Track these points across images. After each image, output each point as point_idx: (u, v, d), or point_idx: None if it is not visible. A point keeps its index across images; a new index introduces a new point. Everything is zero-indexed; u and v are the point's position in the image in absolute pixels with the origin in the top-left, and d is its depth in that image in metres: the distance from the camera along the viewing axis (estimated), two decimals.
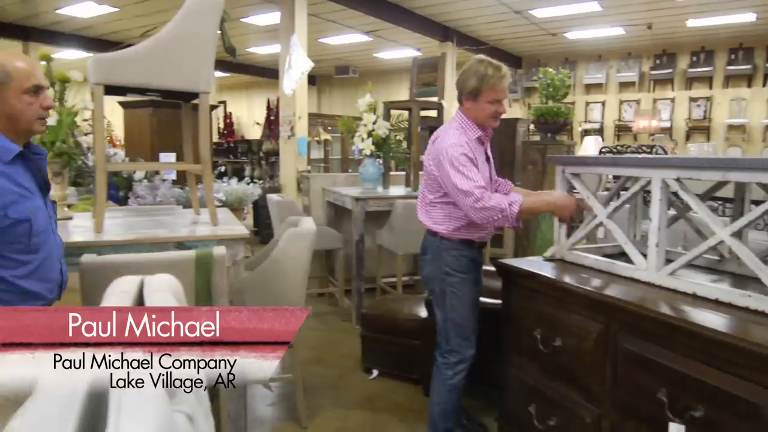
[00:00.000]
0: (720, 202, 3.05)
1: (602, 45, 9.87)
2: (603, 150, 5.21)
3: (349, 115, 6.21)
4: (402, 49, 10.29)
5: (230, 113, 13.86)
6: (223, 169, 6.87)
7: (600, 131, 10.25)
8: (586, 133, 9.98)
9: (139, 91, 2.23)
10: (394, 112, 4.43)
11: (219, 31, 2.34)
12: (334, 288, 4.46)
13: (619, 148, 5.52)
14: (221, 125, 13.40)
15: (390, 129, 4.11)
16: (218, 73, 12.46)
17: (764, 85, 8.86)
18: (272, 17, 7.85)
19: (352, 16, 8.35)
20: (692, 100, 9.41)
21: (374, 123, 4.07)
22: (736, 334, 1.42)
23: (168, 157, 5.12)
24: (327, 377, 3.19)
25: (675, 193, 1.89)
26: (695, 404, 1.48)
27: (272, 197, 4.14)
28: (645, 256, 1.92)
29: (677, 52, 9.60)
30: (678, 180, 1.79)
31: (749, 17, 7.65)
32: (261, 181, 6.92)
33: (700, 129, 9.36)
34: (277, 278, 2.42)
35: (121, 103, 5.81)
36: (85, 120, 6.76)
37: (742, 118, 8.92)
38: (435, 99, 4.34)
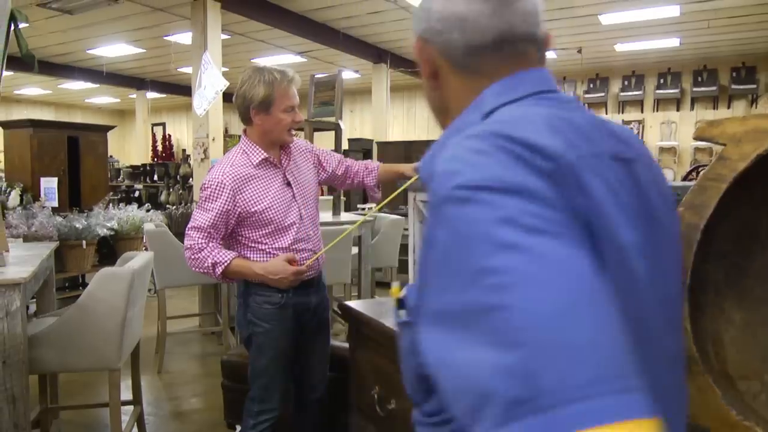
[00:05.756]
0: None
1: None
2: None
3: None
4: (341, 72, 10.07)
5: (169, 135, 13.33)
6: (137, 194, 6.41)
7: None
8: None
9: None
10: None
11: (14, 36, 1.99)
12: (219, 327, 3.99)
13: None
14: (159, 147, 12.85)
15: None
16: (154, 95, 12.00)
17: (692, 109, 8.97)
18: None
19: (281, 36, 8.09)
20: (625, 122, 9.45)
21: None
22: None
23: (50, 182, 4.65)
24: None
25: None
26: None
27: (147, 226, 3.73)
28: None
29: (609, 76, 9.67)
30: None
31: (673, 42, 7.74)
32: (173, 207, 6.47)
33: None
34: (85, 328, 2.03)
35: (1, 123, 5.32)
36: None
37: (673, 140, 8.99)
38: (332, 119, 4.04)
